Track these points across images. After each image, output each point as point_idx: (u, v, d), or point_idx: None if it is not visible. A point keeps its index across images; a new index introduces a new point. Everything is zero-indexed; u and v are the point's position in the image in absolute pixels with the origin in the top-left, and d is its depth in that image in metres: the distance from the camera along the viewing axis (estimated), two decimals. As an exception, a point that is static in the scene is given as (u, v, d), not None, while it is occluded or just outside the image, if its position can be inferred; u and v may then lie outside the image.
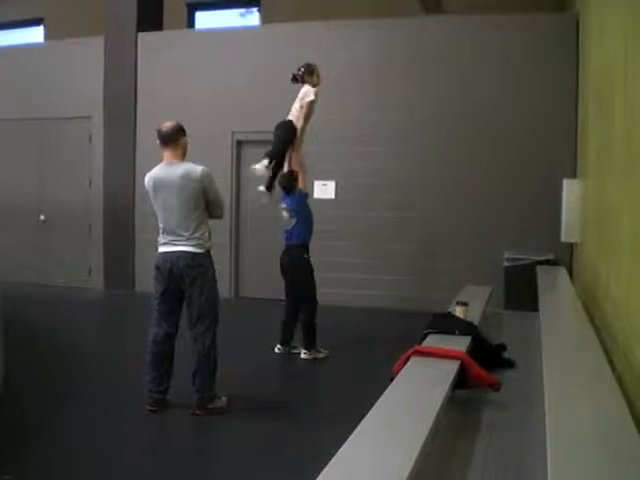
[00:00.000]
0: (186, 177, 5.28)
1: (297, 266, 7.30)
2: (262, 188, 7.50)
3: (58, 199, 11.79)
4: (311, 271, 7.35)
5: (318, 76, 7.65)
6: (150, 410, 5.35)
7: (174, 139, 5.37)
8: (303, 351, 7.23)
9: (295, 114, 7.52)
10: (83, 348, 7.52)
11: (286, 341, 7.41)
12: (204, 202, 5.38)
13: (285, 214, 7.35)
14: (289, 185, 7.35)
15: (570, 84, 9.10)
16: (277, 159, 7.42)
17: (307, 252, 7.35)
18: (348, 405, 4.36)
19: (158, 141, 5.41)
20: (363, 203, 10.18)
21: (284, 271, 7.39)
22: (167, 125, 5.40)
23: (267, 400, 5.90)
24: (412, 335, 4.77)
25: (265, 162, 7.30)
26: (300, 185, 7.37)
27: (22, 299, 9.69)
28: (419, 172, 9.97)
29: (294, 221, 7.30)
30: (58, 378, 6.31)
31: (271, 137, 7.58)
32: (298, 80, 7.64)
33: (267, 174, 7.37)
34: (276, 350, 7.38)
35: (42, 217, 11.89)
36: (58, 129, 11.79)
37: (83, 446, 4.72)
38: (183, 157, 5.42)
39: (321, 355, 7.27)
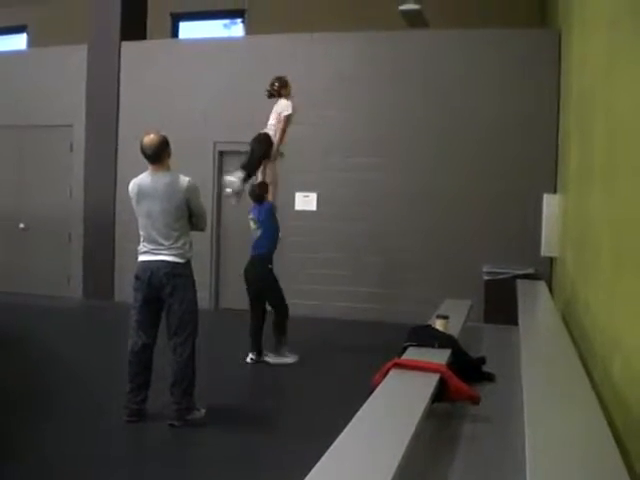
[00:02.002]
0: (171, 187, 5.27)
1: (262, 276, 7.39)
2: (229, 191, 7.57)
3: (38, 207, 11.69)
4: (275, 279, 7.45)
5: (290, 86, 7.77)
6: (128, 421, 5.30)
7: (159, 157, 5.34)
8: (270, 354, 7.30)
9: (272, 127, 7.58)
10: (60, 358, 7.45)
11: (257, 350, 7.41)
12: (187, 213, 5.37)
13: (252, 224, 7.42)
14: (259, 196, 7.42)
15: (552, 100, 9.17)
16: (250, 171, 7.47)
17: (270, 262, 7.43)
18: (326, 417, 4.36)
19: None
20: (344, 215, 10.17)
21: (248, 282, 7.45)
22: (151, 144, 5.33)
23: (245, 412, 5.87)
24: (390, 348, 4.77)
25: (239, 174, 7.36)
26: (270, 198, 7.47)
27: (0, 308, 9.61)
28: (401, 185, 9.98)
29: (259, 232, 7.38)
30: (34, 388, 6.23)
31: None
32: (274, 95, 7.74)
33: (240, 188, 7.42)
34: (248, 360, 7.38)
35: (22, 225, 11.79)
36: (39, 137, 11.72)
37: (59, 457, 4.67)
38: (168, 165, 5.41)
39: (289, 360, 7.29)
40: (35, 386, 6.31)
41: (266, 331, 7.44)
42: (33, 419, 5.40)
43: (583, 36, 6.05)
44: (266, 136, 7.56)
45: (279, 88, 7.73)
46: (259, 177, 7.61)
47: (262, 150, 7.52)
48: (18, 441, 4.90)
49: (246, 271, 7.45)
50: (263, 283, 7.40)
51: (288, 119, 7.62)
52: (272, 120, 7.64)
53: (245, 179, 7.45)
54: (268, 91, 7.76)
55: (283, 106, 7.64)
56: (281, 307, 7.41)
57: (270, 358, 7.29)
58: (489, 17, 11.00)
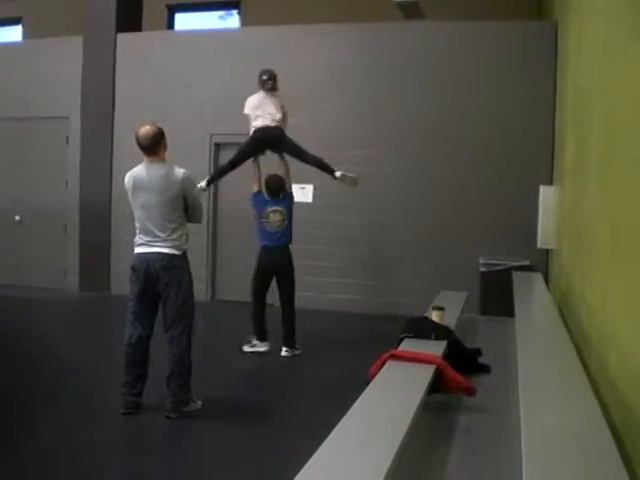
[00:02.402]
0: (167, 179, 5.26)
1: (291, 265, 7.57)
2: (203, 184, 7.61)
3: (34, 200, 11.67)
4: None
5: None
6: (124, 413, 5.30)
7: (155, 148, 5.33)
8: (285, 349, 7.41)
9: (279, 122, 7.66)
10: (56, 350, 7.44)
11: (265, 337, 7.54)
12: (183, 205, 5.36)
13: (277, 216, 7.49)
14: (281, 189, 7.56)
15: (548, 92, 9.16)
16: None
17: None
18: (323, 408, 4.37)
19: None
20: (340, 207, 10.16)
21: (275, 270, 7.52)
22: (146, 135, 5.31)
23: (242, 404, 5.88)
24: (387, 339, 4.78)
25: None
26: (288, 188, 7.70)
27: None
28: (397, 176, 9.97)
29: (286, 222, 7.53)
30: (30, 381, 6.23)
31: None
32: (276, 89, 7.74)
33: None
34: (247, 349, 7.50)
35: (17, 218, 11.76)
36: (35, 129, 11.68)
37: (56, 450, 4.67)
38: (164, 157, 5.40)
39: (297, 352, 7.44)
40: (31, 379, 6.30)
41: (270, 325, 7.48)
42: (29, 412, 5.40)
43: (580, 28, 6.05)
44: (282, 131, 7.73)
45: (274, 82, 7.74)
46: (282, 169, 7.79)
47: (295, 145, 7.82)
48: (14, 434, 4.90)
49: (272, 260, 7.51)
50: (292, 272, 7.58)
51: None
52: (277, 114, 7.65)
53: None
54: (272, 85, 7.73)
55: (283, 101, 7.72)
56: (294, 302, 7.57)
57: (284, 352, 7.40)
58: (485, 8, 10.97)
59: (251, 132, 7.68)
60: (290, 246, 7.60)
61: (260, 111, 7.64)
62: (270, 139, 7.65)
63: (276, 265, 7.50)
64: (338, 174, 7.76)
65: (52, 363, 6.91)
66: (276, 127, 7.63)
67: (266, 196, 7.55)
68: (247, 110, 7.73)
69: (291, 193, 7.72)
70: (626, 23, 3.31)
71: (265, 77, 7.74)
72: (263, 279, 7.56)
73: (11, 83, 11.64)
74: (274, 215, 7.48)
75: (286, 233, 7.53)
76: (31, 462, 4.46)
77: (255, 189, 7.67)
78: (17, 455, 4.53)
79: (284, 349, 7.39)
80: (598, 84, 4.36)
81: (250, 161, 7.75)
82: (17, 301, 10.19)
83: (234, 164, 7.79)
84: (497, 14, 10.34)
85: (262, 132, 7.60)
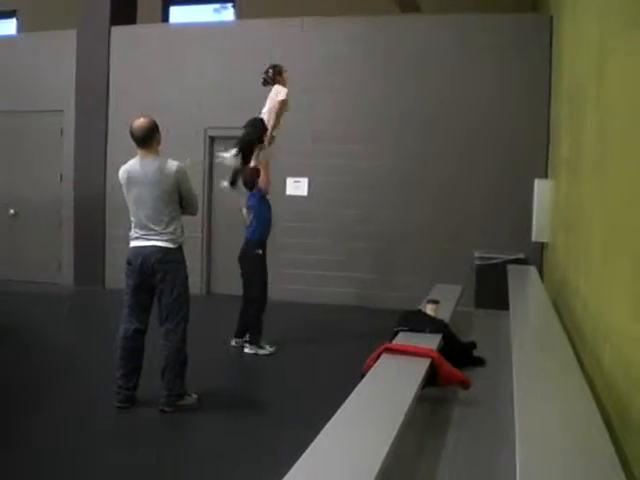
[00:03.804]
0: (160, 172, 5.25)
1: (248, 260, 7.33)
2: (226, 184, 7.56)
3: (28, 193, 11.64)
4: (263, 268, 7.39)
5: (286, 76, 7.73)
6: (119, 407, 5.30)
7: (148, 140, 5.31)
8: (247, 345, 7.27)
9: (266, 114, 7.55)
10: (51, 344, 7.44)
11: (239, 334, 7.44)
12: (178, 198, 5.35)
13: (244, 211, 7.41)
14: (250, 181, 7.36)
15: (543, 85, 9.17)
16: (244, 152, 7.43)
17: (262, 248, 7.37)
18: (318, 402, 4.37)
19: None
20: (335, 200, 10.17)
21: (240, 267, 7.44)
22: (140, 126, 5.30)
23: (237, 397, 5.89)
24: (381, 332, 4.78)
25: (233, 151, 7.34)
26: (261, 184, 7.36)
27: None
28: (391, 170, 9.98)
29: (250, 218, 7.34)
30: (25, 375, 6.23)
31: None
32: (269, 82, 7.71)
33: (235, 163, 7.38)
34: (233, 343, 7.43)
35: (12, 211, 11.73)
36: (29, 122, 11.64)
37: (50, 444, 4.67)
38: (158, 151, 5.38)
39: (264, 351, 7.22)
40: (26, 373, 6.29)
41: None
42: (24, 405, 5.40)
43: (574, 21, 6.05)
44: (261, 120, 7.53)
45: (274, 75, 7.68)
46: (252, 163, 7.55)
47: (256, 134, 7.49)
48: (8, 428, 4.89)
49: (239, 257, 7.42)
50: (248, 267, 7.35)
51: (283, 104, 7.57)
52: (266, 107, 7.60)
53: (239, 157, 7.40)
54: (263, 78, 7.71)
55: (277, 91, 7.60)
56: (255, 299, 7.31)
57: (245, 348, 7.27)
58: (481, 1, 10.95)
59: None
60: (253, 241, 7.36)
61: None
62: (244, 128, 7.63)
63: (239, 260, 7.43)
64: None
65: (46, 357, 6.91)
66: (255, 118, 7.62)
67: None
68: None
69: (260, 189, 7.36)
70: (620, 15, 3.31)
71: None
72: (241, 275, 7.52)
73: (5, 76, 11.60)
74: (244, 211, 7.46)
75: (249, 229, 7.38)
76: (25, 455, 4.45)
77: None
78: (11, 448, 4.53)
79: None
80: (593, 77, 4.36)
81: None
82: (11, 295, 10.17)
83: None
84: (492, 7, 10.32)
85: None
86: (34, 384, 5.97)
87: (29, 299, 10.06)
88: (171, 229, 5.30)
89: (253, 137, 7.49)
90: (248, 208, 7.37)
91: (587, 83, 4.69)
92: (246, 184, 7.38)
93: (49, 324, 8.51)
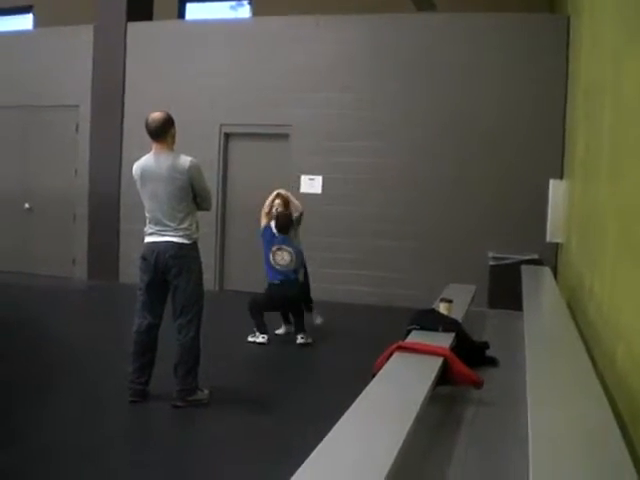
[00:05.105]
0: (174, 168, 5.25)
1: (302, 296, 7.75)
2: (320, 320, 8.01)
3: (43, 188, 11.70)
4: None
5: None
6: (131, 401, 5.32)
7: (163, 133, 5.32)
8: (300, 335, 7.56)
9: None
10: (64, 339, 7.47)
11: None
12: (192, 193, 5.36)
13: (285, 256, 7.55)
14: (288, 226, 7.63)
15: (559, 85, 9.13)
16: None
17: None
18: (330, 399, 4.37)
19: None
20: (349, 198, 10.17)
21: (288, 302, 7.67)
22: (155, 118, 5.33)
23: (249, 393, 5.89)
24: (394, 331, 4.77)
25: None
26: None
27: (5, 288, 9.65)
28: (407, 169, 9.97)
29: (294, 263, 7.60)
30: (39, 369, 6.26)
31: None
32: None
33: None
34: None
35: (27, 205, 11.80)
36: (45, 117, 11.70)
37: (63, 438, 4.69)
38: (172, 147, 5.39)
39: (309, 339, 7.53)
40: (39, 367, 6.33)
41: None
42: (37, 399, 5.43)
43: (592, 22, 6.01)
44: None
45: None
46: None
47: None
48: (22, 422, 4.92)
49: (284, 292, 7.58)
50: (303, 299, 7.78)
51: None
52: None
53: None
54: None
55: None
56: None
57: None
58: (497, 1, 10.91)
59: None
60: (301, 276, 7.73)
61: None
62: None
63: (289, 297, 7.57)
64: None
65: (60, 351, 6.95)
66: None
67: (275, 232, 7.63)
68: None
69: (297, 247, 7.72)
70: (637, 16, 3.28)
71: None
72: (274, 308, 7.72)
73: (22, 72, 11.66)
74: (282, 253, 7.54)
75: (296, 269, 7.62)
76: (37, 449, 4.47)
77: (263, 223, 7.76)
78: (24, 442, 4.55)
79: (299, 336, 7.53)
80: (610, 78, 4.33)
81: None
82: (25, 289, 10.23)
83: None
84: (508, 7, 10.28)
85: None
86: (47, 378, 6.00)
87: (43, 293, 10.11)
88: (185, 225, 5.30)
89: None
90: (290, 253, 7.54)
91: (603, 84, 4.66)
92: (282, 229, 7.60)
93: (63, 318, 8.55)
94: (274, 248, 7.52)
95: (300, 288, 7.65)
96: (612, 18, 4.38)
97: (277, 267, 7.50)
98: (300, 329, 7.52)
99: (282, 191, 7.91)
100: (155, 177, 5.28)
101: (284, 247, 7.52)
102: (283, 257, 7.51)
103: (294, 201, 7.92)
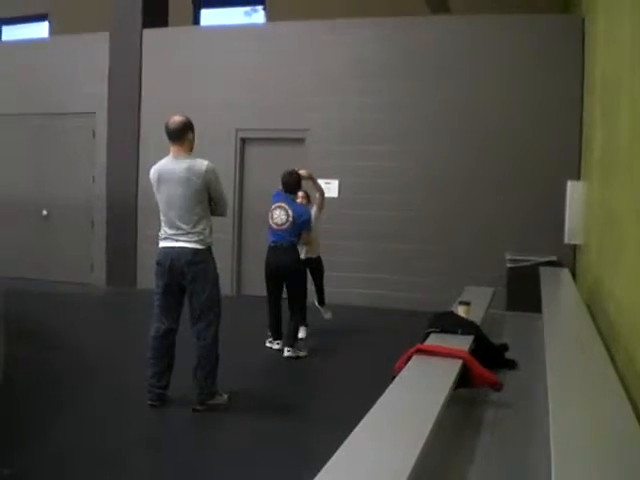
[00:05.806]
0: (190, 171, 5.27)
1: (297, 266, 7.40)
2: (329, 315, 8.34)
3: (61, 195, 11.77)
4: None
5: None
6: (151, 405, 5.35)
7: (181, 136, 5.36)
8: (287, 349, 7.17)
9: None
10: (84, 344, 7.51)
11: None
12: (207, 197, 5.37)
13: (282, 214, 7.25)
14: (294, 185, 7.43)
15: (575, 86, 9.08)
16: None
17: None
18: (349, 403, 4.36)
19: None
20: (366, 202, 10.16)
21: (280, 272, 7.35)
22: (175, 121, 5.38)
23: (268, 398, 5.89)
24: (413, 335, 4.75)
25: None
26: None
27: (24, 295, 9.71)
28: (422, 172, 9.95)
29: (290, 224, 7.24)
30: (59, 374, 6.30)
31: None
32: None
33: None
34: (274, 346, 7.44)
35: (45, 212, 11.88)
36: (62, 125, 11.78)
37: (84, 441, 4.72)
38: (190, 151, 5.41)
39: (302, 353, 7.23)
40: (58, 372, 6.36)
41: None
42: (57, 404, 5.45)
43: (608, 22, 5.98)
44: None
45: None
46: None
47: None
48: (41, 426, 4.94)
49: (277, 259, 7.33)
50: (298, 274, 7.49)
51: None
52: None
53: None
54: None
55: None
56: (300, 304, 7.57)
57: (286, 352, 7.18)
58: (512, 2, 10.88)
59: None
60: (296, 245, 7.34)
61: None
62: None
63: (280, 266, 7.24)
64: None
65: (79, 356, 6.98)
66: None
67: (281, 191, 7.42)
68: None
69: (306, 209, 7.52)
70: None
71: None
72: (269, 279, 7.37)
73: (38, 79, 11.75)
74: (279, 211, 7.24)
75: (292, 232, 7.21)
76: (57, 452, 4.50)
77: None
78: (43, 446, 4.58)
79: (285, 349, 7.22)
80: (626, 79, 4.31)
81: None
82: (44, 295, 10.29)
83: None
84: (522, 8, 10.26)
85: None
86: (66, 382, 6.03)
87: (61, 299, 10.16)
88: (199, 229, 5.31)
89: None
90: (287, 210, 7.25)
91: (620, 83, 4.63)
92: (287, 187, 7.39)
93: (81, 324, 8.59)
94: (274, 206, 7.30)
95: (292, 256, 7.24)
96: (629, 18, 4.36)
97: (274, 227, 7.23)
98: (290, 340, 7.20)
99: (303, 171, 7.71)
100: (172, 179, 5.30)
101: (283, 205, 7.24)
102: (280, 215, 7.19)
103: (317, 182, 7.98)
